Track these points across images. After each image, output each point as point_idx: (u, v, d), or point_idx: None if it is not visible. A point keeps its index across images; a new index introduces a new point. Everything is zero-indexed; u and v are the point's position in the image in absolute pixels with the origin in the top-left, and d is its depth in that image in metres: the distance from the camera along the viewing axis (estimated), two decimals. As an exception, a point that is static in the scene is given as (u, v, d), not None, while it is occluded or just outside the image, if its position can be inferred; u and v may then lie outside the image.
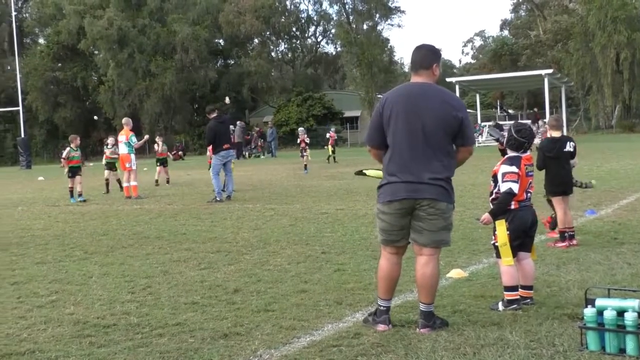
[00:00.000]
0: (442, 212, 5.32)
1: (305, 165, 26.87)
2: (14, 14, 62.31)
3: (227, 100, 22.29)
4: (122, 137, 19.49)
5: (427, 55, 5.49)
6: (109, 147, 21.52)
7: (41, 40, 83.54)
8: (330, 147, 32.95)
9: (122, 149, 19.29)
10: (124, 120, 20.30)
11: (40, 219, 14.62)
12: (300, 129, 32.30)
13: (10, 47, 67.87)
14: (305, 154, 27.66)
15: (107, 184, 21.15)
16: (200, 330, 5.58)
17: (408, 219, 5.37)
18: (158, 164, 23.94)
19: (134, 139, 19.30)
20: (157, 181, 23.33)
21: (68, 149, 18.78)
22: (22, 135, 56.17)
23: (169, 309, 6.30)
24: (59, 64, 74.98)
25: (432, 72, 5.45)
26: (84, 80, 72.73)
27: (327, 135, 34.50)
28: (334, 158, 32.09)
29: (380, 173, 5.82)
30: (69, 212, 15.77)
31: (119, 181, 20.58)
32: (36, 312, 6.44)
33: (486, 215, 5.90)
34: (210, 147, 17.37)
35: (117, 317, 6.11)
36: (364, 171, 6.61)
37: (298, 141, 30.39)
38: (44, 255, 9.72)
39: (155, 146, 25.38)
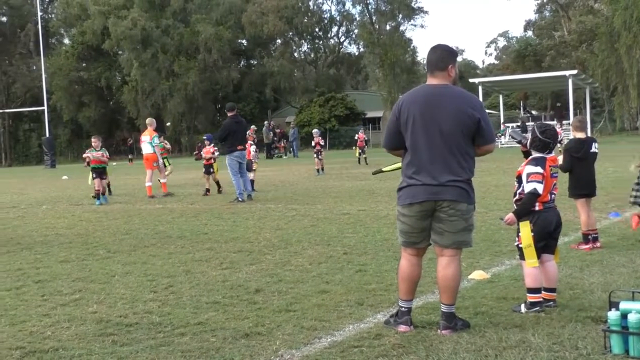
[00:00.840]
0: (463, 213, 5.30)
1: (321, 167, 26.47)
2: (39, 14, 62.86)
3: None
4: (145, 137, 19.74)
5: (442, 56, 5.44)
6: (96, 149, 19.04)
7: (66, 41, 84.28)
8: (357, 148, 32.30)
9: (147, 149, 19.50)
10: (147, 120, 20.51)
11: (64, 218, 14.74)
12: (315, 130, 31.73)
13: (36, 47, 68.44)
14: (320, 156, 27.08)
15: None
16: (222, 329, 5.59)
17: (428, 221, 5.35)
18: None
19: (156, 139, 19.54)
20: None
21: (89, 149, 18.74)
22: (47, 135, 56.64)
23: (190, 308, 6.32)
24: (84, 64, 75.63)
25: (448, 73, 5.41)
26: (108, 80, 73.26)
27: (356, 136, 33.73)
28: (365, 159, 31.32)
29: (398, 165, 5.78)
30: (93, 211, 15.89)
31: (108, 184, 19.38)
32: (60, 310, 6.48)
33: (510, 215, 5.86)
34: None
35: (139, 315, 6.14)
36: (382, 169, 6.58)
37: (313, 143, 29.75)
38: (67, 254, 9.79)
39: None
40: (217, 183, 19.39)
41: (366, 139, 33.52)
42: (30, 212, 16.56)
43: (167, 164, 20.25)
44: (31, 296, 7.16)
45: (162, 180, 19.51)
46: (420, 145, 5.30)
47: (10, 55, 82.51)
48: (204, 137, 20.48)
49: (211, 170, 19.08)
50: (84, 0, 74.16)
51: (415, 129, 5.30)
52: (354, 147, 34.63)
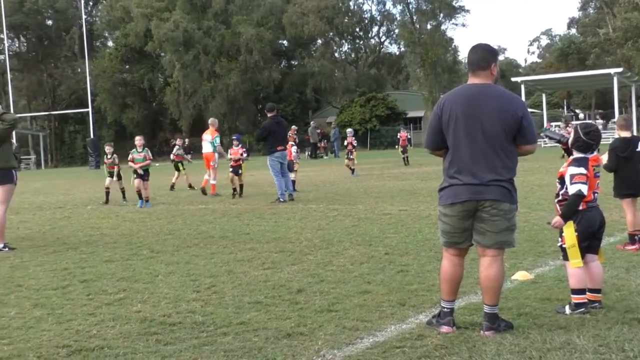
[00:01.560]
0: (505, 213, 5.26)
1: (353, 169, 25.96)
2: (84, 17, 63.78)
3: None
4: (207, 137, 20.19)
5: (484, 56, 5.40)
6: (108, 157, 19.47)
7: (110, 43, 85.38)
8: (400, 147, 31.78)
9: (207, 148, 19.98)
10: (210, 120, 21.17)
11: (108, 218, 14.93)
12: (349, 130, 30.88)
13: (80, 50, 69.49)
14: (351, 156, 26.42)
15: (107, 194, 19.09)
16: (264, 329, 5.62)
17: (470, 221, 5.32)
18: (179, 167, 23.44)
19: (218, 139, 19.96)
20: (172, 186, 22.58)
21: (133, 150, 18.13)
22: (91, 136, 57.41)
23: (233, 308, 6.35)
24: (127, 66, 76.57)
25: (490, 72, 5.38)
26: (151, 81, 74.04)
27: (398, 135, 33.16)
28: (407, 158, 30.94)
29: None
30: (136, 212, 16.07)
31: (123, 190, 19.17)
32: (105, 309, 6.56)
33: (557, 219, 5.78)
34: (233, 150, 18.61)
35: (182, 315, 6.19)
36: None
37: (345, 143, 28.95)
38: (112, 254, 9.92)
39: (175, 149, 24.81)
40: (240, 187, 18.66)
41: (409, 137, 32.99)
42: (76, 212, 16.82)
43: (181, 168, 21.20)
44: (77, 295, 7.26)
45: (211, 182, 19.64)
46: (463, 144, 5.27)
47: (56, 58, 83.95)
48: (233, 137, 20.29)
49: (239, 171, 18.65)
50: (127, 3, 75.06)
51: (458, 128, 5.28)
52: (397, 147, 33.85)
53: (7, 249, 10.70)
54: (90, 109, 58.12)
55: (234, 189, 18.60)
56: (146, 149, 18.22)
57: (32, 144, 77.35)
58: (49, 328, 5.97)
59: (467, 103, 5.29)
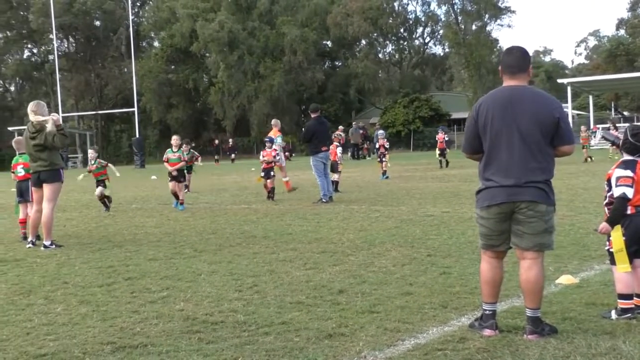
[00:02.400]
0: (542, 214, 5.22)
1: (385, 171, 25.01)
2: (131, 18, 64.55)
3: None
4: (273, 137, 20.38)
5: (523, 58, 5.43)
6: (91, 162, 17.91)
7: (156, 44, 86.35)
8: (437, 150, 30.91)
9: (275, 146, 19.96)
10: (273, 121, 21.48)
11: (152, 217, 15.09)
12: (380, 131, 29.91)
13: (127, 50, 70.41)
14: (384, 159, 25.25)
15: (104, 203, 17.41)
16: (305, 329, 5.63)
17: (508, 223, 5.30)
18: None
19: (279, 139, 20.09)
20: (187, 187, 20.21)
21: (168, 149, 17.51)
22: (137, 136, 58.06)
23: (275, 308, 6.38)
24: (172, 67, 77.40)
25: (528, 75, 5.42)
26: (195, 82, 74.72)
27: (436, 137, 32.28)
28: (445, 162, 30.09)
29: None
30: (180, 211, 16.20)
31: (104, 200, 17.32)
32: (148, 307, 6.64)
33: (604, 225, 5.68)
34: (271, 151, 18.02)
35: (224, 314, 6.23)
36: None
37: (377, 145, 27.81)
38: (156, 252, 10.02)
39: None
40: (272, 190, 18.02)
41: (446, 139, 31.93)
42: (121, 211, 17.03)
43: (193, 171, 20.49)
44: (121, 293, 7.35)
45: (284, 179, 19.75)
46: (499, 146, 5.27)
47: (103, 59, 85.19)
48: (265, 139, 19.50)
49: (271, 173, 18.05)
50: (173, 4, 75.89)
51: (494, 130, 5.28)
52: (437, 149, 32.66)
53: (54, 246, 10.89)
54: (136, 109, 58.80)
55: (269, 192, 18.01)
56: (182, 149, 17.76)
57: (79, 142, 78.53)
58: (94, 325, 6.05)
59: (504, 105, 5.28)
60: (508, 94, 5.33)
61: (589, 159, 28.93)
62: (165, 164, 17.32)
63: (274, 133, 20.11)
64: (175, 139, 17.61)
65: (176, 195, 17.04)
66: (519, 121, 5.20)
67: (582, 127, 34.94)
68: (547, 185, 5.27)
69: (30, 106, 11.16)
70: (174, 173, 16.98)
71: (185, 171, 18.61)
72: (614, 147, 6.17)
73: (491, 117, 5.29)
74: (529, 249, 5.28)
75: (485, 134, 5.33)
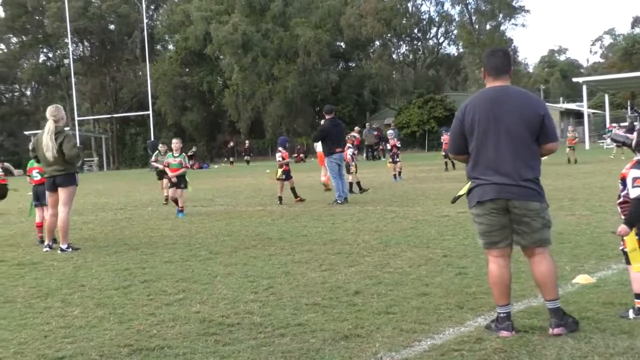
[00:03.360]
0: (537, 212, 5.31)
1: (399, 172, 24.42)
2: (145, 21, 64.79)
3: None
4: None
5: (507, 60, 5.61)
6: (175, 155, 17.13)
7: (170, 47, 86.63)
8: (443, 151, 29.39)
9: (319, 148, 20.36)
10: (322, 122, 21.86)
11: (168, 220, 15.13)
12: (390, 131, 29.03)
13: (142, 53, 70.68)
14: (397, 159, 24.55)
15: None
16: (322, 331, 5.63)
17: (506, 218, 5.36)
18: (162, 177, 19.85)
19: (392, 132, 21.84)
20: (166, 198, 19.14)
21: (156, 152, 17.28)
22: (152, 139, 58.25)
23: (290, 310, 6.38)
24: (187, 69, 77.59)
25: (510, 75, 5.57)
26: (210, 84, 74.86)
27: (441, 138, 31.22)
28: (452, 163, 28.57)
29: (466, 186, 5.79)
30: (195, 213, 16.24)
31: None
32: (165, 309, 6.66)
33: (622, 227, 5.64)
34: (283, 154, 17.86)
35: (240, 316, 6.24)
36: (459, 195, 6.38)
37: (389, 146, 26.90)
38: (171, 255, 10.05)
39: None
40: (280, 197, 17.70)
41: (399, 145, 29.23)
42: (137, 213, 17.09)
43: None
44: (138, 295, 7.38)
45: (322, 178, 20.32)
46: (487, 145, 5.36)
47: (118, 62, 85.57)
48: (279, 141, 19.18)
49: (291, 175, 17.86)
50: (187, 7, 76.09)
51: (481, 131, 5.37)
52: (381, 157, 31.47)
53: (71, 249, 10.94)
54: (150, 112, 59.06)
55: (298, 197, 17.88)
56: (183, 154, 16.73)
57: (94, 146, 79.00)
58: (110, 327, 6.08)
59: (490, 105, 5.39)
60: (493, 94, 5.45)
61: (572, 161, 27.95)
62: (166, 168, 16.76)
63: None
64: (175, 143, 16.82)
65: (177, 202, 16.21)
66: (506, 120, 5.30)
67: (569, 127, 33.98)
68: (536, 184, 5.36)
69: (49, 111, 11.19)
70: (174, 179, 16.26)
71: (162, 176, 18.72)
72: (626, 147, 6.11)
73: (478, 117, 5.39)
74: (532, 246, 5.37)
75: (472, 134, 5.43)
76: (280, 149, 18.26)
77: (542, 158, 5.54)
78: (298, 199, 17.76)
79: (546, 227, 5.37)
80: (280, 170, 17.61)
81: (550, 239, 5.47)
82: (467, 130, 5.45)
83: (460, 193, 5.97)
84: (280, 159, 17.91)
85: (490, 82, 5.54)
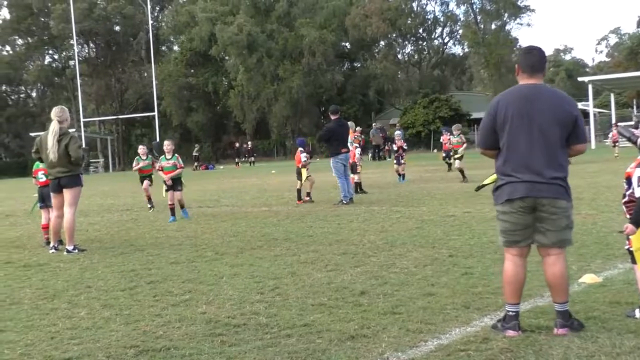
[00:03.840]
0: (564, 210, 5.31)
1: (403, 174, 23.89)
2: (150, 23, 64.87)
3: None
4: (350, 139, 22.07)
5: (542, 58, 5.56)
6: (143, 158, 18.62)
7: (175, 48, 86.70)
8: (443, 152, 28.07)
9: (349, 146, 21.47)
10: (349, 123, 22.17)
11: (174, 221, 15.12)
12: (397, 132, 27.93)
13: (147, 54, 70.76)
14: (402, 161, 24.07)
15: (149, 199, 18.44)
16: (328, 331, 5.63)
17: (530, 218, 5.35)
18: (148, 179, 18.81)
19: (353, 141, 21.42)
20: (149, 200, 18.55)
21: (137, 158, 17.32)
22: (157, 140, 58.28)
23: (296, 310, 6.38)
24: (192, 70, 77.65)
25: (544, 74, 5.56)
26: (215, 85, 74.90)
27: (441, 138, 29.74)
28: (449, 165, 26.89)
29: (493, 177, 5.83)
30: (201, 214, 16.26)
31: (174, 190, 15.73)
32: (171, 310, 6.67)
33: (628, 226, 5.62)
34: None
35: (246, 316, 6.25)
36: (484, 184, 6.44)
37: (395, 147, 25.91)
38: (177, 256, 10.06)
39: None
40: (308, 193, 18.02)
41: (448, 141, 27.53)
42: (142, 215, 17.11)
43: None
44: (144, 296, 7.39)
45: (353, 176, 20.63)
46: (519, 143, 5.35)
47: (123, 63, 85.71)
48: (298, 142, 19.32)
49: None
50: (192, 8, 76.14)
51: (513, 128, 5.36)
52: (441, 151, 29.83)
53: (77, 250, 10.96)
54: (156, 113, 59.12)
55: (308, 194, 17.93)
56: (176, 156, 15.77)
57: (100, 147, 79.07)
58: (117, 328, 6.09)
59: (523, 103, 5.37)
60: (527, 92, 5.42)
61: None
62: (160, 172, 15.65)
63: (351, 134, 20.74)
64: (167, 145, 15.74)
65: (173, 209, 15.38)
66: (539, 118, 5.29)
67: None
68: (565, 182, 5.36)
69: (54, 112, 11.20)
70: (169, 182, 15.43)
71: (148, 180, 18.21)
72: (631, 144, 6.10)
73: (510, 113, 5.37)
74: (552, 245, 5.34)
75: (504, 130, 5.41)
76: (300, 149, 18.26)
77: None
78: (302, 201, 17.74)
79: (569, 227, 5.38)
80: (305, 171, 17.66)
81: (572, 239, 5.48)
82: (498, 126, 5.44)
83: (486, 182, 5.99)
84: (306, 158, 17.92)
85: (525, 79, 5.52)
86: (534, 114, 5.30)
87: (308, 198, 17.78)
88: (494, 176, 5.84)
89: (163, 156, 15.82)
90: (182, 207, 15.58)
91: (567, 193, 5.34)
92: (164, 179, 15.55)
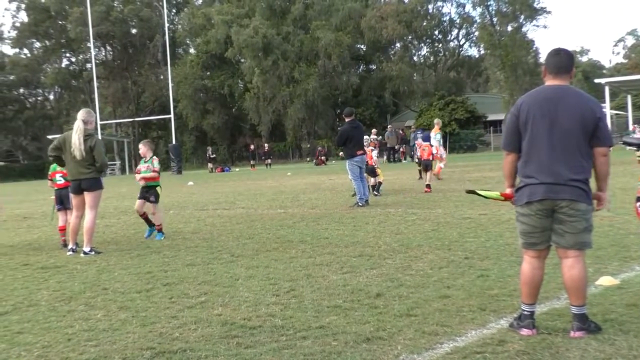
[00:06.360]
0: (583, 213, 5.27)
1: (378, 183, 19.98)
2: (167, 25, 65.10)
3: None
4: (432, 134, 25.22)
5: (568, 59, 5.53)
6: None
7: (191, 50, 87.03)
8: (417, 159, 24.95)
9: (433, 142, 23.80)
10: (435, 120, 25.35)
11: (190, 223, 15.18)
12: (425, 134, 26.28)
13: (163, 57, 71.02)
14: (441, 163, 23.31)
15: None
16: (343, 333, 5.62)
17: (549, 221, 5.33)
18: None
19: (439, 136, 24.82)
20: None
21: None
22: (174, 142, 58.48)
23: (312, 312, 6.38)
24: (208, 73, 77.98)
25: (571, 76, 5.51)
26: (231, 87, 75.15)
27: (415, 142, 27.77)
28: (420, 173, 24.25)
29: (494, 194, 5.89)
30: (217, 216, 16.29)
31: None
32: (187, 312, 6.68)
33: None
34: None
35: (262, 319, 6.25)
36: (477, 191, 6.43)
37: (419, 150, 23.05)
38: (193, 258, 10.08)
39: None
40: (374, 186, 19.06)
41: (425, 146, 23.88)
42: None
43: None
44: (160, 298, 7.41)
45: (440, 165, 23.82)
46: (541, 144, 5.33)
47: (139, 66, 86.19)
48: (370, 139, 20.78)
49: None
50: (208, 10, 76.49)
51: (536, 128, 5.35)
52: (415, 158, 27.51)
53: (93, 252, 11.01)
54: (172, 115, 59.26)
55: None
56: (152, 158, 13.22)
57: (117, 150, 79.44)
58: (133, 330, 6.11)
59: (546, 103, 5.35)
60: (551, 93, 5.41)
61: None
62: (137, 175, 13.35)
63: (435, 130, 24.50)
64: (140, 147, 13.50)
65: (147, 220, 13.14)
66: (562, 119, 5.27)
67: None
68: (586, 184, 5.31)
69: (81, 113, 11.29)
70: (142, 182, 13.02)
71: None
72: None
73: (533, 114, 5.36)
74: (570, 248, 5.32)
75: (526, 131, 5.40)
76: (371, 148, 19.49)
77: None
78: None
79: (588, 230, 5.33)
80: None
81: (591, 242, 5.44)
82: (521, 127, 5.45)
83: (482, 194, 5.97)
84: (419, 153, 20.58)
85: (550, 80, 5.51)
86: (556, 115, 5.28)
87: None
88: (495, 194, 5.86)
89: (143, 159, 13.31)
90: (159, 230, 12.94)
91: (587, 196, 5.30)
92: (136, 178, 13.26)
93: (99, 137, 58.68)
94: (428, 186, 19.58)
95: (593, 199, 5.48)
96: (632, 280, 6.99)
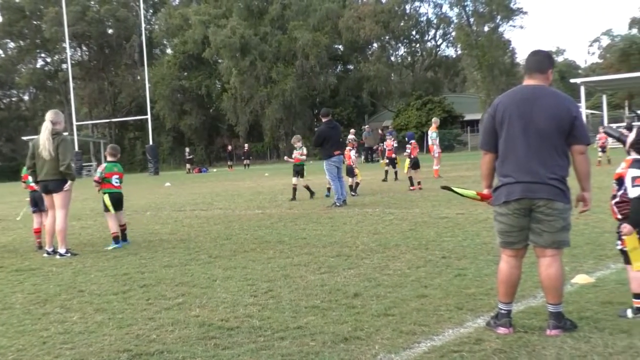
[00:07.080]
0: (560, 212, 5.28)
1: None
2: (143, 25, 64.78)
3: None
4: (430, 132, 26.45)
5: (544, 60, 5.57)
6: (297, 149, 19.51)
7: (168, 51, 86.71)
8: (386, 158, 26.22)
9: (429, 141, 25.76)
10: (433, 119, 26.65)
11: (167, 224, 15.12)
12: (409, 132, 24.99)
13: (140, 57, 70.68)
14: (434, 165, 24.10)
15: (295, 190, 19.19)
16: (321, 333, 5.62)
17: (526, 220, 5.35)
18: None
19: (434, 134, 26.07)
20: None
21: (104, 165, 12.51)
22: (150, 143, 58.23)
23: (290, 313, 6.37)
24: (185, 73, 77.74)
25: (547, 77, 5.53)
26: (208, 88, 74.97)
27: (384, 144, 27.95)
28: (394, 173, 25.16)
29: (470, 192, 5.92)
30: (195, 217, 16.24)
31: (308, 187, 19.23)
32: (164, 313, 6.64)
33: (626, 226, 5.63)
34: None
35: (240, 319, 6.23)
36: (453, 188, 6.44)
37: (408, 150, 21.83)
38: (171, 259, 10.04)
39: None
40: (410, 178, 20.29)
41: (395, 145, 25.73)
42: (136, 218, 17.06)
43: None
44: (137, 300, 7.37)
45: (434, 167, 25.04)
46: (517, 143, 5.35)
47: (116, 66, 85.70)
48: (407, 135, 22.19)
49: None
50: (186, 11, 76.23)
51: (512, 128, 5.37)
52: (382, 159, 28.12)
53: (69, 254, 10.93)
54: (149, 116, 59.01)
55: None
56: (118, 165, 12.55)
57: (93, 151, 78.89)
58: (110, 332, 6.07)
59: (522, 103, 5.38)
60: (526, 92, 5.45)
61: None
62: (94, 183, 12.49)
63: (434, 129, 25.78)
64: (109, 152, 12.74)
65: (117, 237, 12.08)
66: (537, 118, 5.29)
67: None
68: (563, 183, 5.33)
69: (48, 114, 11.18)
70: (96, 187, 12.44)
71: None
72: (620, 143, 6.09)
73: (509, 114, 5.38)
74: (548, 247, 5.34)
75: (502, 131, 5.43)
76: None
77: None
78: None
79: (565, 229, 5.35)
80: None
81: (569, 241, 5.46)
82: (497, 126, 5.47)
83: (457, 191, 6.00)
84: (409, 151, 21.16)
85: (527, 80, 5.55)
86: (532, 115, 5.30)
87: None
88: (471, 192, 5.88)
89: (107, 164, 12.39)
90: (123, 237, 12.23)
91: (564, 195, 5.31)
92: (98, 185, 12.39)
93: (75, 138, 58.50)
94: (419, 183, 20.26)
95: (578, 201, 5.52)
96: (607, 278, 7.05)
